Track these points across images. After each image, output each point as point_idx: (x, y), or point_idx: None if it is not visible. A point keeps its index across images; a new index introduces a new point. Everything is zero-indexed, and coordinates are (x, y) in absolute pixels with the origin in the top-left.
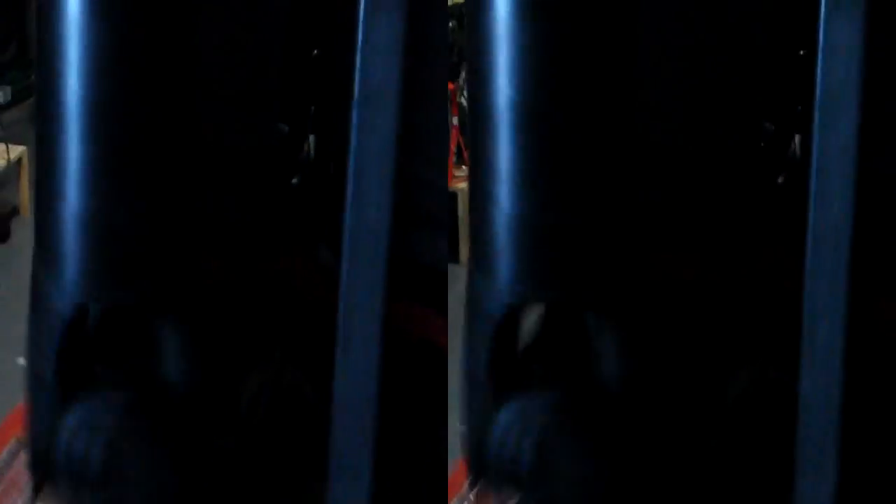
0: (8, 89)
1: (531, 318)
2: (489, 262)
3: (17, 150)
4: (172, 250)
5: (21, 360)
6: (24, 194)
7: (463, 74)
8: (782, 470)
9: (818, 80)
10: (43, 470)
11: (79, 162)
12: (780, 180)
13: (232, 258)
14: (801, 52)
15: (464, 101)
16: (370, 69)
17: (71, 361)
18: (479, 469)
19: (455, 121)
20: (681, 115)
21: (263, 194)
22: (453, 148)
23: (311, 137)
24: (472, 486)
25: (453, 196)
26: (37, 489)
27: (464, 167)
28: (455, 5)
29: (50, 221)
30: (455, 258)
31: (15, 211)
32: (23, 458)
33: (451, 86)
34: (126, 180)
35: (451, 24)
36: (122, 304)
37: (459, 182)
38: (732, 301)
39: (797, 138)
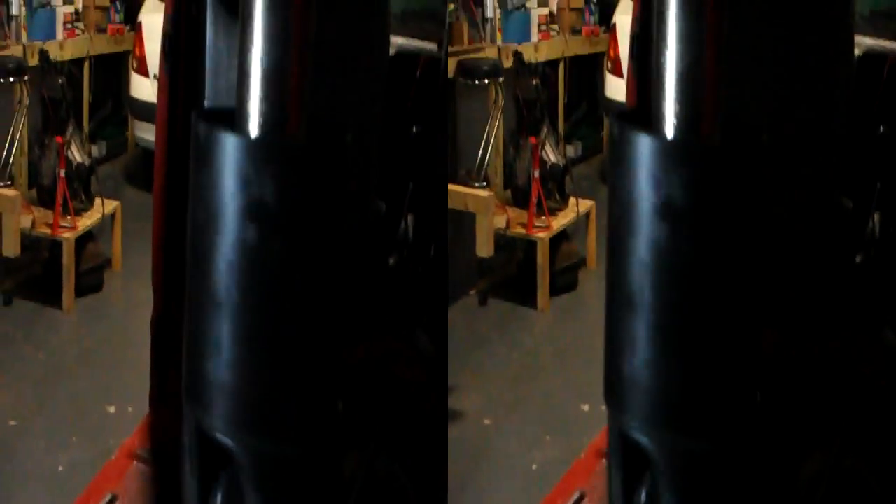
0: (104, 144)
1: None
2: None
3: (111, 205)
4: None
5: (111, 409)
6: (117, 247)
7: (545, 130)
8: None
9: None
10: None
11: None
12: (858, 259)
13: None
14: (881, 129)
15: (544, 156)
16: None
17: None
18: None
19: (536, 173)
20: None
21: (359, 274)
22: (534, 198)
23: (410, 216)
24: None
25: (532, 245)
26: None
27: (543, 217)
28: (538, 63)
29: (201, 378)
30: (533, 304)
31: (108, 263)
32: None
33: (533, 140)
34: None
35: (535, 83)
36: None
37: (539, 231)
38: (809, 381)
39: (877, 216)
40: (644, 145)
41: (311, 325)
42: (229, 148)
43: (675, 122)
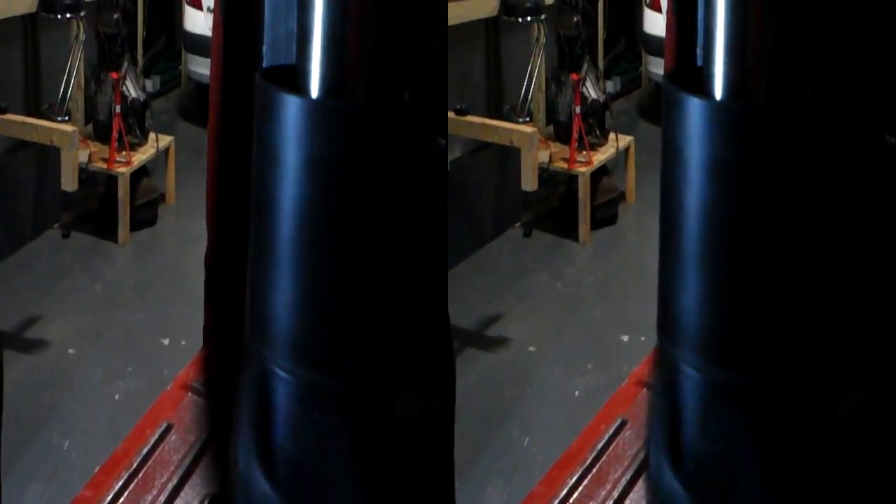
0: (157, 79)
1: None
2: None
3: (165, 140)
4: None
5: (165, 341)
6: (171, 182)
7: (585, 66)
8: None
9: None
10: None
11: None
12: None
13: None
14: None
15: (585, 92)
16: None
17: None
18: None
19: (578, 109)
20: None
21: (417, 216)
22: (575, 134)
23: None
24: None
25: (574, 179)
26: (188, 471)
27: (584, 152)
28: (578, 0)
29: (264, 316)
30: (574, 237)
31: (161, 197)
32: (171, 439)
33: (574, 76)
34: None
35: (576, 20)
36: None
37: (581, 166)
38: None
39: None
40: (694, 107)
41: (369, 268)
42: (290, 108)
43: (723, 84)
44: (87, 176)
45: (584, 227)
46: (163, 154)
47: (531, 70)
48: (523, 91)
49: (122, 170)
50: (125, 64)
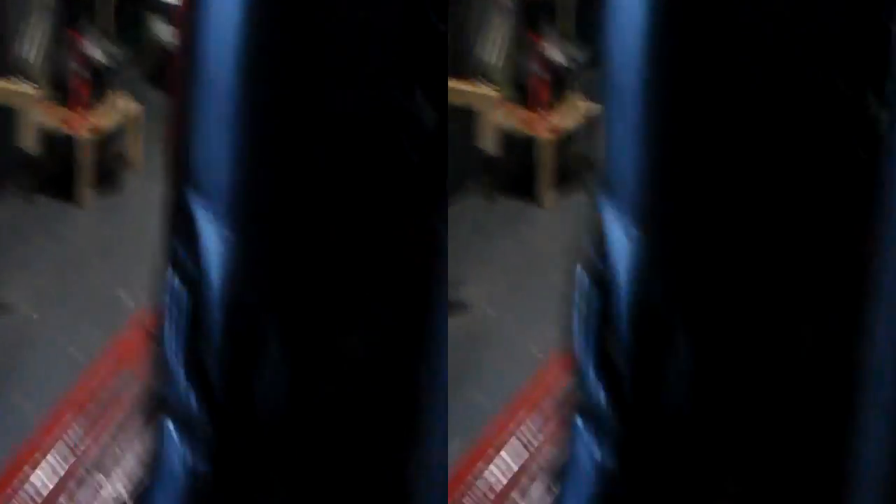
0: (123, 41)
1: None
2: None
3: (129, 104)
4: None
5: (122, 293)
6: (137, 147)
7: (551, 29)
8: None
9: None
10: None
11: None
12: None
13: (346, 225)
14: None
15: (550, 56)
16: None
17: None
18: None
19: (543, 73)
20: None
21: (380, 166)
22: (540, 99)
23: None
24: None
25: (538, 144)
26: (147, 422)
27: (548, 117)
28: None
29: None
30: (536, 201)
31: (126, 162)
32: (133, 387)
33: (538, 39)
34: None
35: None
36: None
37: (545, 132)
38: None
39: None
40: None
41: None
42: None
43: None
44: (49, 139)
45: (544, 190)
46: (129, 119)
47: (495, 33)
48: (486, 54)
49: (86, 133)
50: (89, 25)
